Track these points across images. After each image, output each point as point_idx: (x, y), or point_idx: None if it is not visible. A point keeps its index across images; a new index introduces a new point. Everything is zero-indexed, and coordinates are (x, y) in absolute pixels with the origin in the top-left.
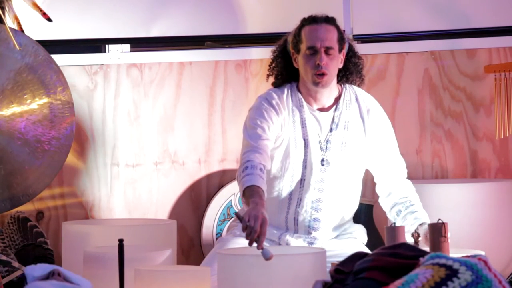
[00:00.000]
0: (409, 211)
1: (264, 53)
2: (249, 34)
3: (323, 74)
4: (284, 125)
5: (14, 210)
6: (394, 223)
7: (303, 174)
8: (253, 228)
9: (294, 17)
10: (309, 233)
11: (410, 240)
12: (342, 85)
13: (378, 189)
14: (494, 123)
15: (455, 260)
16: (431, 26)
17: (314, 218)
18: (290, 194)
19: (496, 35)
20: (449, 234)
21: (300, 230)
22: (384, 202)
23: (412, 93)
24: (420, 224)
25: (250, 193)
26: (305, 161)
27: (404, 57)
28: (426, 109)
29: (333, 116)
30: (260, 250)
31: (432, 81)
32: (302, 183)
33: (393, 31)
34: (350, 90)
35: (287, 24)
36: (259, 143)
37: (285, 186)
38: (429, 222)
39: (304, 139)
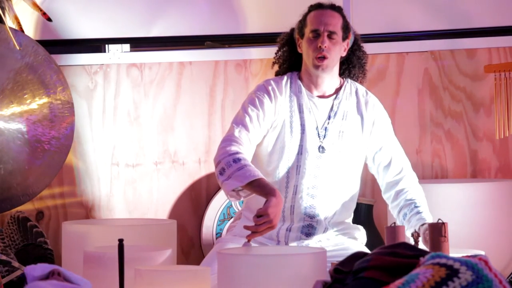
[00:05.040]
0: (413, 213)
1: (264, 53)
2: (249, 34)
3: (324, 58)
4: (280, 110)
5: (14, 210)
6: (394, 223)
7: (299, 160)
8: (260, 224)
9: (295, 17)
10: (305, 220)
11: (410, 240)
12: (344, 79)
13: (385, 196)
14: (494, 123)
15: (455, 260)
16: (431, 26)
17: (310, 205)
18: (287, 182)
19: (496, 35)
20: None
21: (296, 219)
22: (392, 208)
23: (412, 93)
24: (422, 224)
25: (268, 185)
26: (301, 147)
27: (404, 57)
28: (426, 109)
29: (332, 104)
30: (246, 240)
31: (432, 81)
32: (298, 169)
33: (393, 31)
34: (352, 84)
35: (287, 24)
36: (242, 135)
37: (281, 173)
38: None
39: (301, 125)
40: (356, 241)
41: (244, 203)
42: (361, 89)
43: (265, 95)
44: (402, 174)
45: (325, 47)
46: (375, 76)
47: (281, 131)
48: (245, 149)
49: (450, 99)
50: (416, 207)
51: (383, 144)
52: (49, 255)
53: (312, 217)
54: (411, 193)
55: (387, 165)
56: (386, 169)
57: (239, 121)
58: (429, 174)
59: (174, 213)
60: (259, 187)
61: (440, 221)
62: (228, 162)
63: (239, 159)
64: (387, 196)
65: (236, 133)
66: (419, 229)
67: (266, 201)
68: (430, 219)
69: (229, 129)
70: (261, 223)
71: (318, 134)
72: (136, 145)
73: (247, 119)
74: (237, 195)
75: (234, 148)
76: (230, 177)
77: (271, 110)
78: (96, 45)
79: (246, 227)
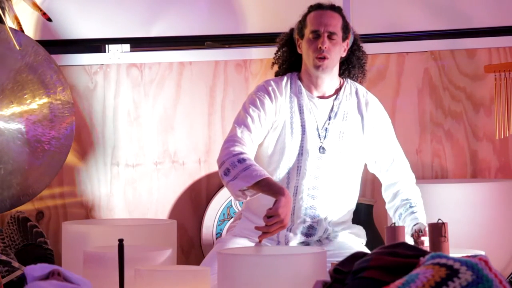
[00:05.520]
0: (408, 213)
1: (264, 53)
2: (249, 34)
3: (324, 58)
4: (280, 110)
5: (14, 210)
6: (394, 223)
7: (299, 161)
8: (272, 225)
9: (294, 17)
10: (306, 221)
11: (410, 240)
12: (344, 79)
13: (384, 195)
14: (494, 123)
15: (455, 260)
16: (431, 26)
17: (310, 206)
18: (288, 183)
19: (496, 35)
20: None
21: (297, 220)
22: (389, 208)
23: (412, 93)
24: (415, 224)
25: (276, 184)
26: (301, 148)
27: (404, 57)
28: (426, 109)
29: (333, 104)
30: (258, 240)
31: (432, 81)
32: (298, 170)
33: (393, 31)
34: (351, 84)
35: (287, 24)
36: (245, 136)
37: (282, 174)
38: (424, 223)
39: (302, 125)
40: (356, 241)
41: (244, 203)
42: (361, 89)
43: (266, 95)
44: (401, 175)
45: (325, 48)
46: (375, 76)
47: (281, 132)
48: (248, 149)
49: (450, 99)
50: (411, 207)
51: (383, 145)
52: (49, 255)
53: (312, 217)
54: (408, 193)
55: (386, 166)
56: (385, 169)
57: (240, 121)
58: (429, 174)
59: (174, 213)
60: (267, 186)
61: (440, 221)
62: (232, 162)
63: (244, 159)
64: (385, 196)
65: (239, 133)
66: (412, 229)
67: (276, 201)
68: (424, 219)
69: (231, 130)
70: (272, 223)
71: (319, 135)
72: (136, 145)
73: (249, 119)
74: (243, 195)
75: (237, 149)
76: (236, 178)
77: (272, 110)
78: (96, 45)
79: (257, 228)
